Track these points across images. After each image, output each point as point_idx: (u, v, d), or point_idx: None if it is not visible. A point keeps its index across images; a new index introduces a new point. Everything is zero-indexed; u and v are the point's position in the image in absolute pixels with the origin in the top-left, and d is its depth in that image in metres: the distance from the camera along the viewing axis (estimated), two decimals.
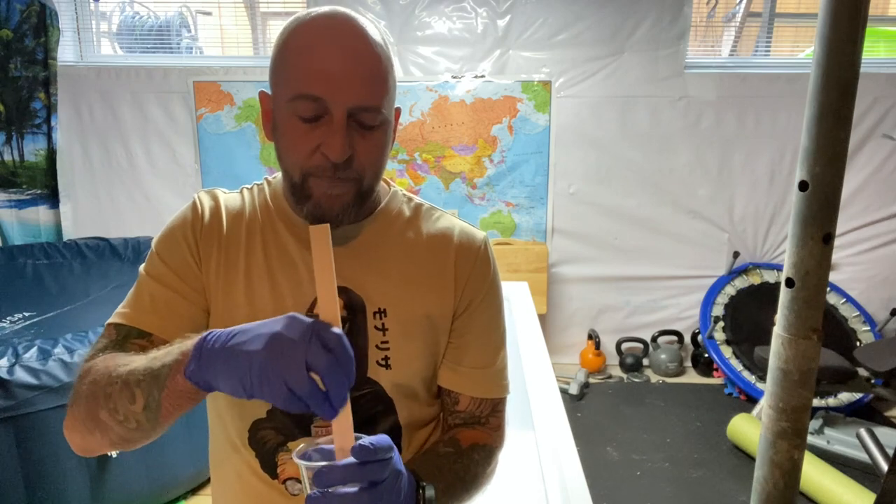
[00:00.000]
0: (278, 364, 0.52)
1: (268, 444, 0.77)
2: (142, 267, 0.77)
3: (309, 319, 0.55)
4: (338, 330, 0.55)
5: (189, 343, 0.60)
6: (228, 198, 0.81)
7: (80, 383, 0.67)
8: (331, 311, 0.57)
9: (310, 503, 0.54)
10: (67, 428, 0.68)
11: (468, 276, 0.80)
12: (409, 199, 0.85)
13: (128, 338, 0.72)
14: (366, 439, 0.55)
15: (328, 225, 0.58)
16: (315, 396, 0.52)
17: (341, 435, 0.56)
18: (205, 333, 0.59)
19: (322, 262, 0.58)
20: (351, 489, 0.55)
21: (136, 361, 0.64)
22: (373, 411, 0.77)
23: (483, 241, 0.83)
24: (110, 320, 0.74)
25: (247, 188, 0.83)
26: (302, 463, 0.56)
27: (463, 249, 0.80)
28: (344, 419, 0.55)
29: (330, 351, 0.53)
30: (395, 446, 0.59)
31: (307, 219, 0.72)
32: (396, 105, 0.75)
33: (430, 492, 0.65)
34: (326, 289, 0.57)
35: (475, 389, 0.81)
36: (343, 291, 0.76)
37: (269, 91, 0.73)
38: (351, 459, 0.54)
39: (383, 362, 0.76)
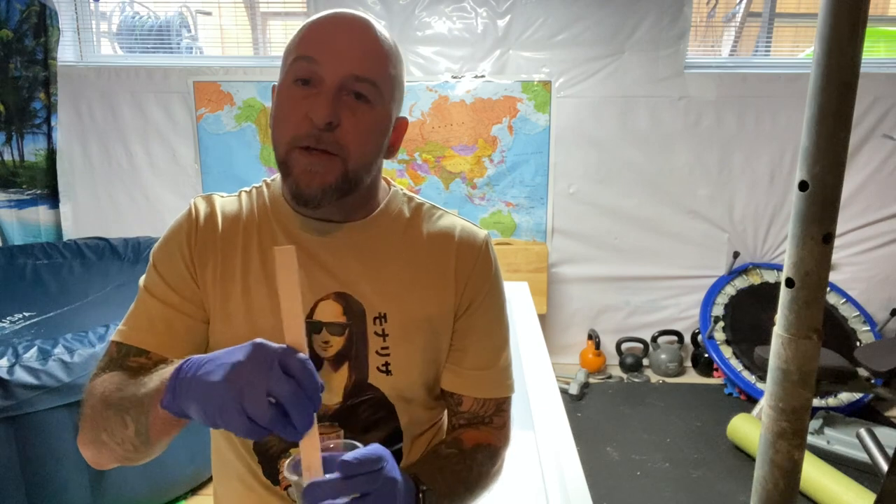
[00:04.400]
0: (237, 394, 0.51)
1: (271, 449, 0.77)
2: (141, 280, 0.77)
3: (275, 346, 0.54)
4: (302, 356, 0.54)
5: (168, 371, 0.60)
6: (225, 202, 0.80)
7: (84, 405, 0.69)
8: (296, 335, 0.56)
9: None
10: (80, 444, 0.70)
11: (469, 276, 0.79)
12: (410, 199, 0.84)
13: (127, 356, 0.73)
14: (349, 454, 0.55)
15: (293, 247, 0.57)
16: (277, 424, 0.52)
17: (308, 457, 0.55)
18: (181, 362, 0.59)
19: (287, 285, 0.56)
20: (340, 500, 0.54)
21: (127, 388, 0.65)
22: (374, 417, 0.77)
23: (485, 239, 0.82)
24: (112, 337, 0.75)
25: (245, 191, 0.82)
26: (293, 478, 0.56)
27: (464, 248, 0.80)
28: (309, 440, 0.55)
29: (293, 377, 0.52)
30: (387, 455, 0.58)
31: (289, 199, 0.72)
32: (402, 115, 0.77)
33: (430, 496, 0.65)
34: (291, 312, 0.56)
35: (478, 390, 0.81)
36: (342, 297, 0.75)
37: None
38: (336, 475, 0.54)
39: (384, 368, 0.75)
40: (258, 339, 0.55)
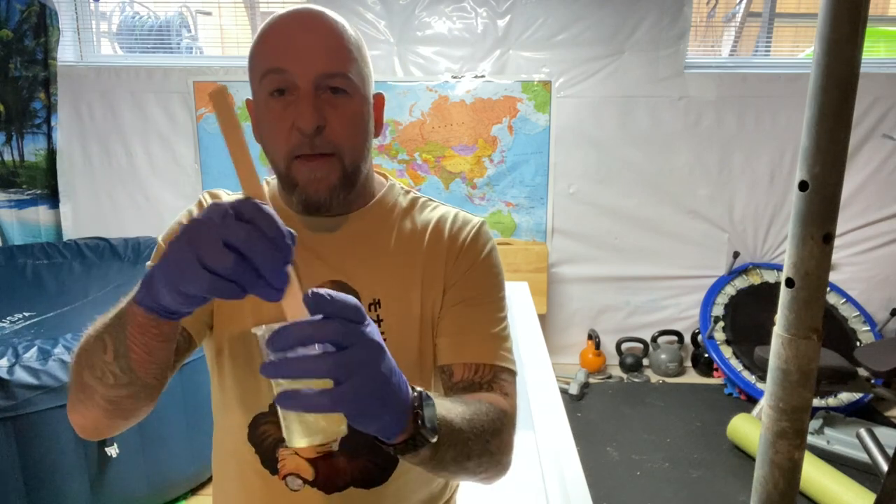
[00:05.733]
0: (191, 246, 0.46)
1: (268, 439, 0.77)
2: (148, 263, 0.78)
3: (230, 202, 0.49)
4: (259, 201, 0.48)
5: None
6: (231, 199, 0.82)
7: (72, 357, 0.67)
8: (252, 184, 0.51)
9: (264, 372, 0.47)
10: (68, 410, 0.69)
11: (460, 251, 0.79)
12: (407, 192, 0.85)
13: None
14: (324, 290, 0.48)
15: (225, 87, 0.51)
16: (242, 273, 0.45)
17: (294, 317, 0.49)
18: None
19: (230, 131, 0.51)
20: (311, 351, 0.47)
21: (109, 312, 0.62)
22: None
23: (479, 221, 0.82)
24: None
25: None
26: (256, 331, 0.51)
27: (457, 230, 0.80)
28: (292, 299, 0.49)
29: (250, 223, 0.46)
30: (367, 316, 0.50)
31: (298, 207, 0.73)
32: (380, 91, 0.77)
33: (429, 403, 0.56)
34: (241, 160, 0.51)
35: (467, 355, 0.75)
36: (337, 284, 0.76)
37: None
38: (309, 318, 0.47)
39: None
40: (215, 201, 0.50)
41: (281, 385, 0.49)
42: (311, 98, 0.67)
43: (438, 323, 0.78)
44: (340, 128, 0.69)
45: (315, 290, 0.47)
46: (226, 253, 0.45)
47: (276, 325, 0.47)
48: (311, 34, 0.68)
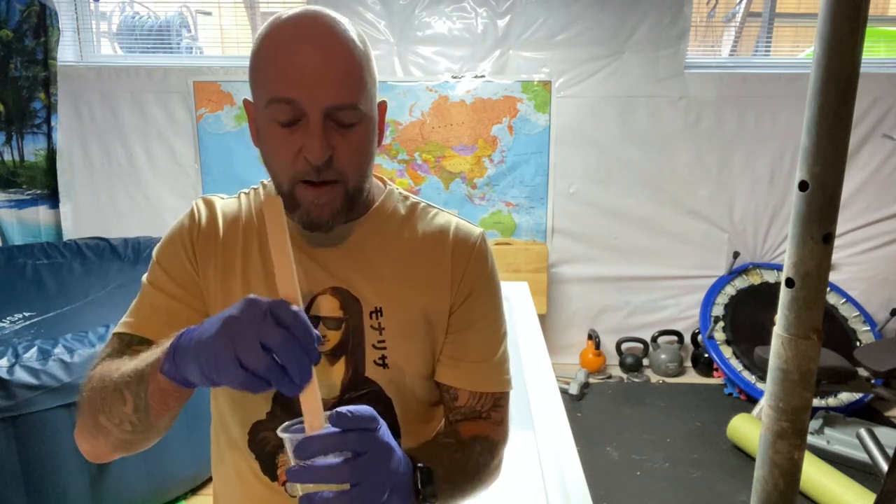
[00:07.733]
0: (230, 344, 0.52)
1: (268, 446, 0.77)
2: (144, 277, 0.79)
3: (267, 299, 0.55)
4: (295, 307, 0.55)
5: (168, 341, 0.61)
6: (226, 203, 0.82)
7: (82, 392, 0.69)
8: (289, 288, 0.57)
9: (290, 476, 0.53)
10: (77, 436, 0.70)
11: (464, 270, 0.79)
12: (405, 198, 0.85)
13: (129, 345, 0.73)
14: (343, 407, 0.55)
15: (279, 198, 0.58)
16: (273, 372, 0.52)
17: (310, 412, 0.55)
18: (182, 331, 0.60)
19: (277, 238, 0.57)
20: (332, 460, 0.53)
21: (127, 364, 0.65)
22: None
23: (479, 236, 0.83)
24: (114, 329, 0.76)
25: (244, 192, 0.84)
26: (285, 435, 0.55)
27: (459, 245, 0.80)
28: (310, 395, 0.54)
29: (286, 328, 0.53)
30: (380, 420, 0.58)
31: (299, 225, 0.73)
32: (383, 98, 0.76)
33: (427, 475, 0.64)
34: (283, 265, 0.57)
35: (473, 383, 0.80)
36: (338, 291, 0.76)
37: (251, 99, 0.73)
38: (330, 429, 0.54)
39: (381, 361, 0.76)
40: (251, 295, 0.56)
41: (303, 488, 0.55)
42: (320, 129, 0.65)
43: (445, 342, 0.80)
44: (348, 156, 0.68)
45: (338, 409, 0.54)
46: (262, 354, 0.52)
47: (301, 436, 0.54)
48: (322, 60, 0.64)
